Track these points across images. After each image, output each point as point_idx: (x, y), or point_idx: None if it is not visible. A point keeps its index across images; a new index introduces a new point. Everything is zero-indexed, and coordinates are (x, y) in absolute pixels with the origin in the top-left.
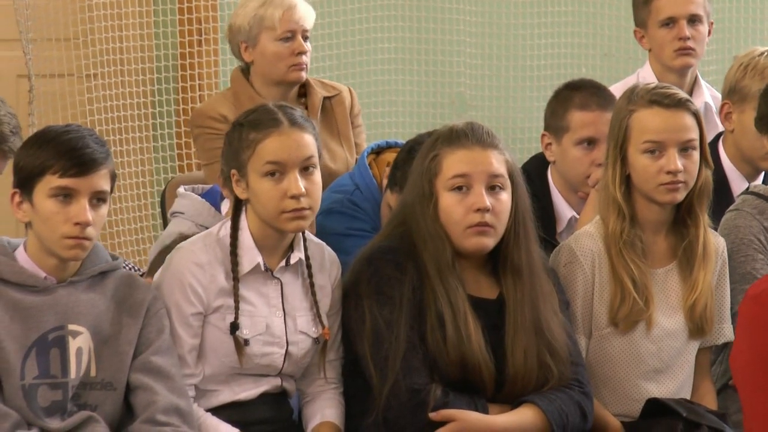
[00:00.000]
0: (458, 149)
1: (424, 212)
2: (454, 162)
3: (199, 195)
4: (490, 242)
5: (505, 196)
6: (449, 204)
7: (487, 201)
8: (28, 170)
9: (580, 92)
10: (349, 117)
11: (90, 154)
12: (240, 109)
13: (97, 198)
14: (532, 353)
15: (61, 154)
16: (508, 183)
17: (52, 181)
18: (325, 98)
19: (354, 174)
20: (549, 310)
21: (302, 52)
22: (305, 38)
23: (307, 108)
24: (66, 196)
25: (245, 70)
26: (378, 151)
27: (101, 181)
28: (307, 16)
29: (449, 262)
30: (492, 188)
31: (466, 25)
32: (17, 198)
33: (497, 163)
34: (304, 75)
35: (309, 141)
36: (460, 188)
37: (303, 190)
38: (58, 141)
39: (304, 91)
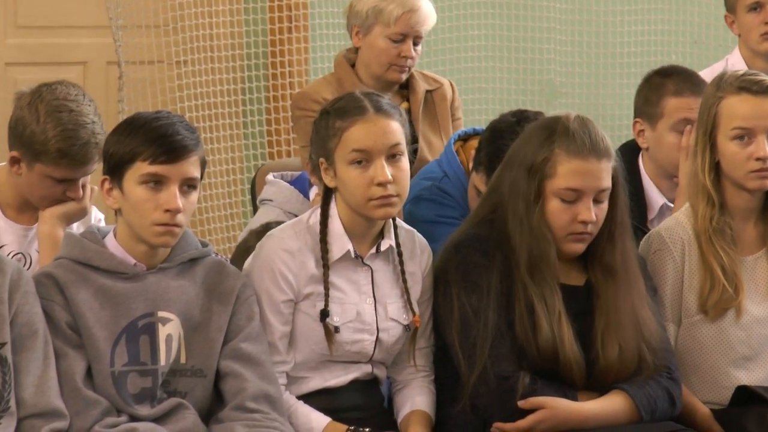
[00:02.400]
0: (574, 158)
1: (529, 210)
2: (569, 173)
3: (288, 182)
4: (584, 247)
5: (606, 205)
6: (556, 211)
7: (593, 214)
8: (118, 157)
9: (673, 78)
10: (449, 110)
11: (180, 141)
12: (341, 93)
13: (188, 185)
14: (629, 349)
15: (152, 141)
16: (610, 192)
17: (142, 168)
18: (428, 91)
19: (441, 161)
20: (645, 308)
21: (408, 57)
22: (416, 43)
23: (409, 100)
24: (156, 183)
25: (349, 56)
26: (465, 138)
27: (191, 167)
28: (425, 21)
29: (551, 261)
30: (597, 200)
31: (557, 12)
32: (107, 185)
33: (607, 176)
34: (403, 77)
35: (395, 128)
36: (569, 199)
37: (389, 177)
38: (148, 128)
39: (406, 83)
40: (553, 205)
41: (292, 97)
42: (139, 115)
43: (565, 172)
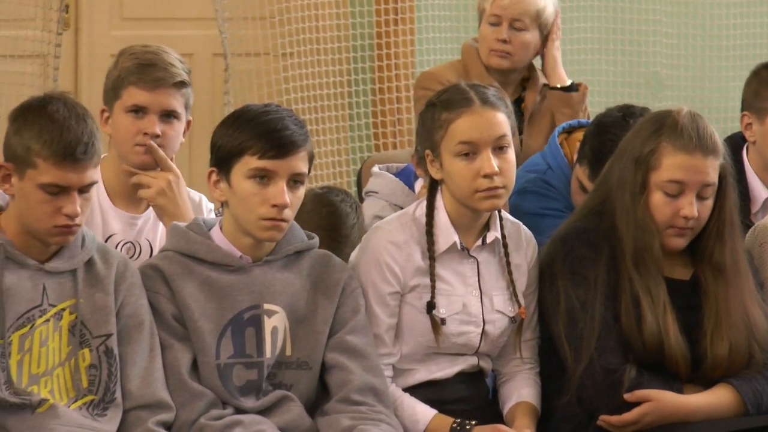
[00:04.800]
0: (680, 152)
1: (635, 201)
2: (674, 166)
3: (394, 174)
4: (685, 243)
5: (710, 202)
6: (659, 203)
7: (695, 209)
8: (227, 150)
9: None
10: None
11: (289, 136)
12: (467, 80)
13: (295, 180)
14: (740, 348)
15: (261, 136)
16: (716, 188)
17: (250, 163)
18: (545, 85)
19: (546, 153)
20: (756, 306)
21: (502, 40)
22: (516, 28)
23: (525, 91)
24: (264, 177)
25: (476, 45)
26: (569, 130)
27: (300, 163)
28: (518, 4)
29: (656, 253)
30: (701, 196)
31: (663, 4)
32: (214, 177)
33: (713, 171)
34: (504, 63)
35: (501, 119)
36: (672, 192)
37: (496, 168)
38: (257, 122)
39: (528, 75)
40: (657, 198)
41: (399, 85)
42: (248, 107)
43: (670, 165)
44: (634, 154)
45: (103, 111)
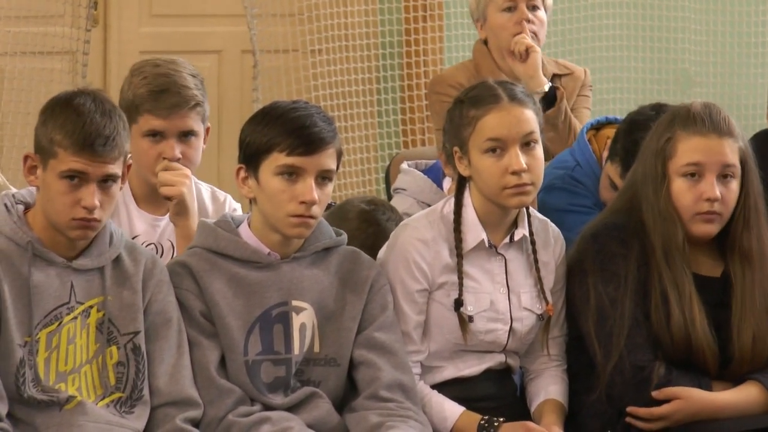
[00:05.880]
0: (694, 135)
1: (657, 193)
2: (689, 149)
3: (422, 171)
4: (715, 229)
5: (735, 185)
6: (680, 189)
7: (718, 191)
8: (255, 147)
9: None
10: (575, 95)
11: (318, 133)
12: (478, 80)
13: (323, 176)
14: (762, 335)
15: (289, 132)
16: (738, 171)
17: (279, 159)
18: (555, 75)
19: (574, 150)
20: None
21: (526, 20)
22: (533, 8)
23: None
24: (292, 174)
25: (487, 43)
26: (598, 126)
27: (328, 160)
28: None
29: (680, 244)
30: (723, 177)
31: (691, 1)
32: (242, 173)
33: (731, 152)
34: (530, 42)
35: (529, 116)
36: (692, 175)
37: (524, 165)
38: (285, 118)
39: None
40: (678, 185)
41: (428, 81)
42: (277, 104)
43: (686, 150)
44: (652, 147)
45: None
